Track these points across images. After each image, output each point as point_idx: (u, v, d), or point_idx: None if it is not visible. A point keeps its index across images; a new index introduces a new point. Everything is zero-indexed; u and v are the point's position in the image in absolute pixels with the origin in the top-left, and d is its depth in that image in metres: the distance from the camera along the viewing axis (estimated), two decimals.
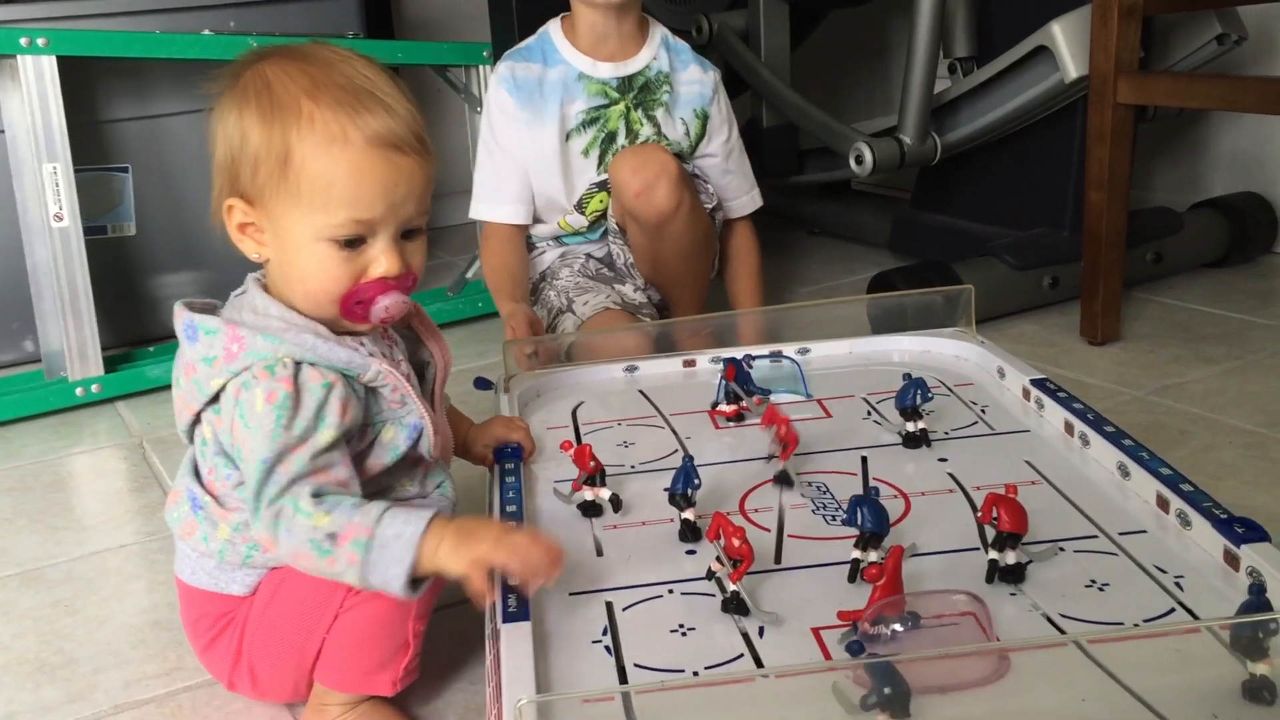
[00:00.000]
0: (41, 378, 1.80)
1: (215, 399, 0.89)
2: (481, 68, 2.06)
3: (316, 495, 0.85)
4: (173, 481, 1.00)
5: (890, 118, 2.12)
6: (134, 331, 2.00)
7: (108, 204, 1.96)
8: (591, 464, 1.02)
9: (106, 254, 1.93)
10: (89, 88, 1.90)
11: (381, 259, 0.89)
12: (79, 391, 1.77)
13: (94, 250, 1.78)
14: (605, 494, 1.02)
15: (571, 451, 1.04)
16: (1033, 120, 2.00)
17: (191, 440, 0.95)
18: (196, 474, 0.95)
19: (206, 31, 1.93)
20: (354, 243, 0.88)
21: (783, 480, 1.05)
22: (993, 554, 0.88)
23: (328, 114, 0.86)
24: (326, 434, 0.87)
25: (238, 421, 0.86)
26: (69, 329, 1.75)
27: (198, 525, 0.94)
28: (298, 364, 0.87)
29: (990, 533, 0.89)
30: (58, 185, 1.72)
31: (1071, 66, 1.84)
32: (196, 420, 0.92)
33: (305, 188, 0.86)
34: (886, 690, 0.67)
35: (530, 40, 1.74)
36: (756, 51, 2.31)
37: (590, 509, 1.02)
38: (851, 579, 0.89)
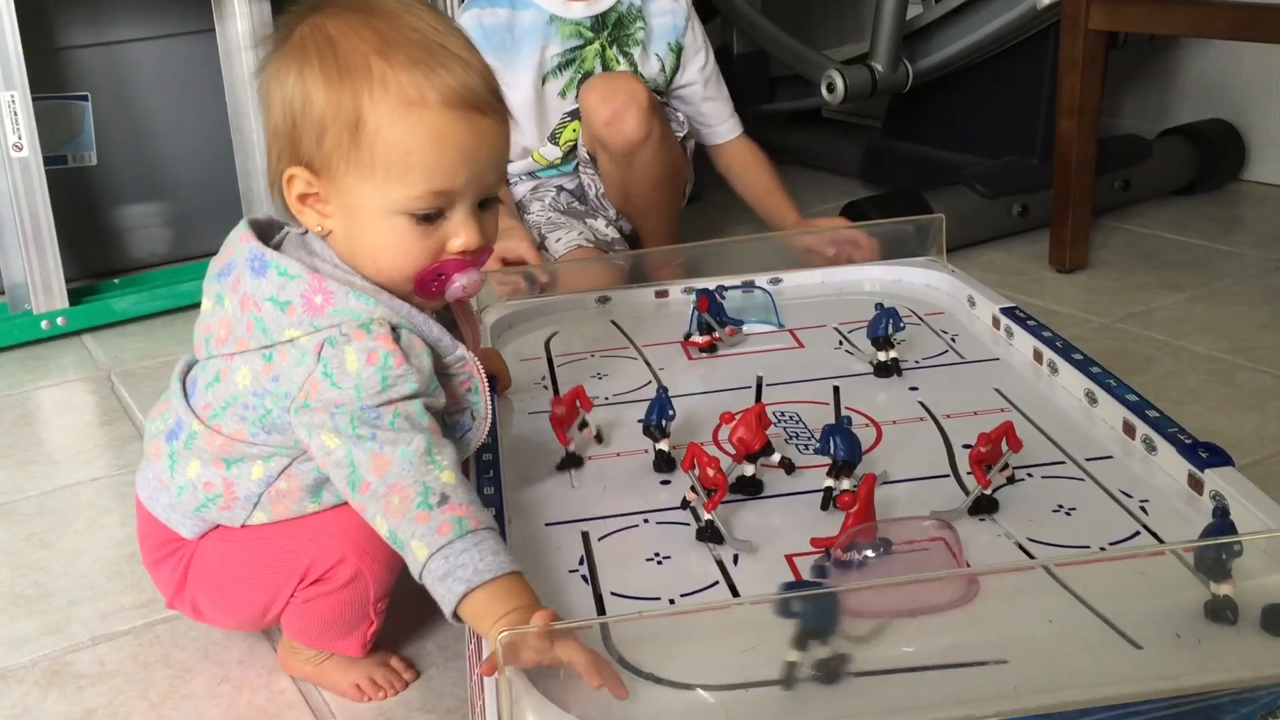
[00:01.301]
0: (5, 311, 1.77)
1: (270, 345, 0.83)
2: None
3: (459, 469, 0.79)
4: (151, 407, 0.96)
5: (862, 45, 2.10)
6: (98, 263, 1.98)
7: (67, 133, 1.92)
8: (589, 401, 1.00)
9: (67, 184, 1.89)
10: (45, 13, 1.85)
11: (461, 232, 0.83)
12: (44, 325, 1.74)
13: (54, 181, 1.75)
14: (592, 430, 1.01)
15: (561, 406, 0.99)
16: (1004, 47, 1.99)
17: (197, 361, 0.89)
18: (185, 395, 0.90)
19: None
20: (432, 216, 0.82)
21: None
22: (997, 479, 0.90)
23: (402, 74, 0.79)
24: (440, 398, 0.83)
25: (319, 379, 0.80)
26: (32, 261, 1.73)
27: (164, 452, 0.89)
28: (394, 328, 0.81)
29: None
30: (15, 114, 1.68)
31: None
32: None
33: (380, 157, 0.80)
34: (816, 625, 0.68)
35: None
36: None
37: (570, 461, 0.99)
38: (824, 507, 0.90)
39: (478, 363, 0.87)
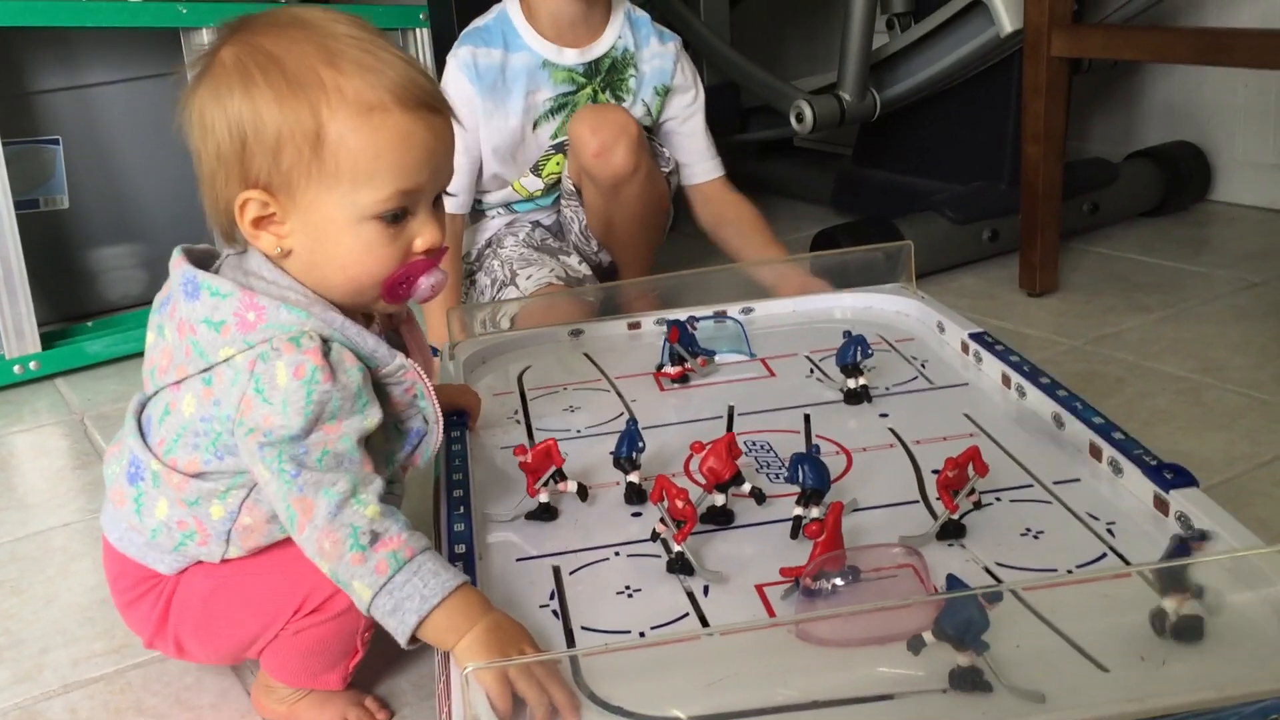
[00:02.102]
0: None
1: (208, 368, 0.82)
2: (419, 30, 2.04)
3: (381, 498, 0.80)
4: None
5: (830, 74, 2.12)
6: (70, 307, 1.98)
7: (39, 177, 1.92)
8: (560, 458, 0.96)
9: (39, 228, 1.89)
10: (15, 58, 1.86)
11: (425, 231, 0.84)
12: (16, 369, 1.74)
13: (26, 225, 1.75)
14: (572, 486, 0.98)
15: (528, 455, 0.96)
16: (970, 75, 2.01)
17: (150, 396, 0.89)
18: (143, 434, 0.89)
19: None
20: (399, 216, 0.83)
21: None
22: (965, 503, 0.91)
23: (356, 80, 0.80)
24: (372, 418, 0.82)
25: (252, 396, 0.80)
26: (3, 306, 1.72)
27: (129, 496, 0.88)
28: (325, 340, 0.81)
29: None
30: None
31: (1006, 20, 1.86)
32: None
33: (345, 165, 0.80)
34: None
35: (488, 20, 1.68)
36: (695, 10, 2.30)
37: (545, 512, 0.96)
38: (794, 535, 0.90)
39: (419, 369, 0.88)
